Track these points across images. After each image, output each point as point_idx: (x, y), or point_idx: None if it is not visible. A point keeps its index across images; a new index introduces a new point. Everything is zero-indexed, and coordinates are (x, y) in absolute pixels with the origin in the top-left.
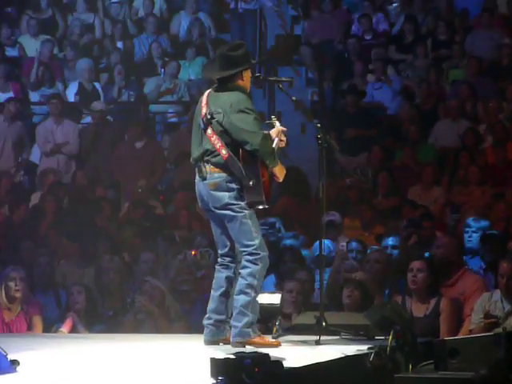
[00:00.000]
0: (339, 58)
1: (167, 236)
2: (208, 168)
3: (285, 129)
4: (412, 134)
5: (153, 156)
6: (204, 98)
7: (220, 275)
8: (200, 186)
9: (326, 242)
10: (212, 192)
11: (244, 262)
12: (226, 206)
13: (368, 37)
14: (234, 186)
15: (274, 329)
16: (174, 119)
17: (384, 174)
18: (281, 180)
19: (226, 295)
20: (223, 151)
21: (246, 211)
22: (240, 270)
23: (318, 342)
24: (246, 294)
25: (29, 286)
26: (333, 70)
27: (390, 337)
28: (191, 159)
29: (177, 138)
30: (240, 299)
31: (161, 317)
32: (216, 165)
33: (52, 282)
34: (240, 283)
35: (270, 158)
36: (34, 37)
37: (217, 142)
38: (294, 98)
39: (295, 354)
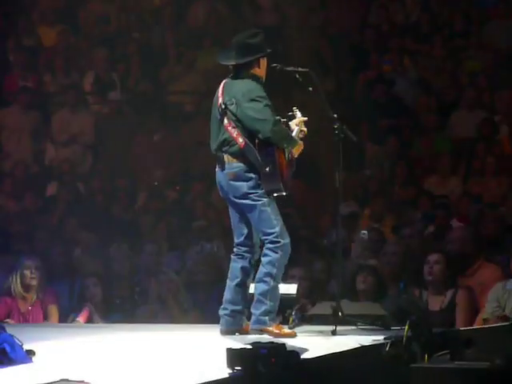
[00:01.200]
0: (356, 48)
1: (183, 226)
2: (226, 158)
3: (305, 118)
4: (429, 125)
5: (169, 146)
6: (220, 88)
7: (235, 265)
8: (220, 176)
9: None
10: (231, 182)
11: (265, 250)
12: (244, 196)
13: (385, 27)
14: (251, 175)
15: (291, 319)
16: (190, 109)
17: (401, 164)
18: (296, 156)
19: (242, 285)
20: (240, 140)
21: (265, 199)
22: (261, 258)
23: (334, 332)
24: (264, 282)
25: (44, 275)
26: (349, 60)
27: (406, 327)
28: (211, 149)
29: (193, 128)
30: (259, 287)
31: (175, 307)
32: (234, 154)
33: (67, 272)
34: (260, 271)
35: (286, 141)
36: (50, 26)
37: (233, 131)
38: (310, 89)
39: (311, 344)
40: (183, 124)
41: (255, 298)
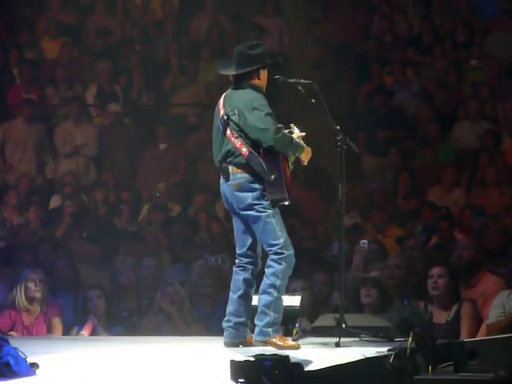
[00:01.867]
0: (358, 59)
1: (187, 239)
2: (231, 169)
3: (303, 134)
4: (431, 135)
5: (172, 158)
6: (221, 100)
7: (238, 277)
8: (224, 187)
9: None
10: (235, 193)
11: (269, 261)
12: (249, 207)
13: (387, 38)
14: (256, 186)
15: (294, 331)
16: (192, 121)
17: (404, 175)
18: (306, 163)
19: (245, 297)
20: (243, 149)
21: (270, 210)
22: (265, 269)
23: (337, 344)
24: (268, 293)
25: (48, 288)
26: (352, 71)
27: (410, 338)
28: (215, 162)
29: (196, 140)
30: (262, 299)
31: (180, 320)
32: (238, 165)
33: (70, 285)
34: (264, 282)
35: (290, 148)
36: (53, 39)
37: (236, 141)
38: (313, 101)
39: (315, 356)
40: (186, 136)
41: (259, 310)
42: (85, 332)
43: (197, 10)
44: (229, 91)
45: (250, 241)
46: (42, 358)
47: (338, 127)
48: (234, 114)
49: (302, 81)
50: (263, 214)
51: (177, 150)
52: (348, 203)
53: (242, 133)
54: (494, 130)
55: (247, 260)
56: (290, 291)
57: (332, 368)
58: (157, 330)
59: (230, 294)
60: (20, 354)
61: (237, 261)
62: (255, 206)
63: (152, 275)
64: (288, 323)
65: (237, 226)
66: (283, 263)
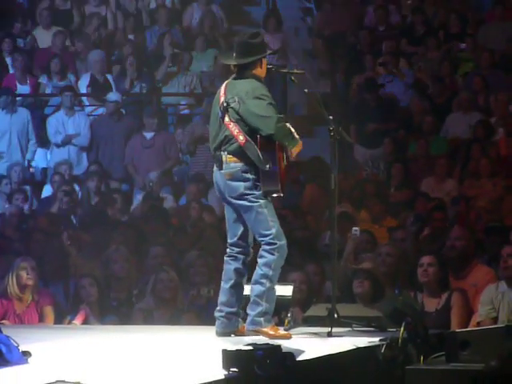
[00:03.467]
0: (351, 50)
1: (179, 228)
2: (225, 157)
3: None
4: (424, 127)
5: (165, 148)
6: (222, 88)
7: (229, 267)
8: (217, 176)
9: None
10: (228, 182)
11: (261, 252)
12: (241, 196)
13: (380, 29)
14: (249, 175)
15: (286, 321)
16: (186, 111)
17: (397, 166)
18: (293, 157)
19: (237, 287)
20: (240, 137)
21: (262, 201)
22: (258, 259)
23: (329, 334)
24: (260, 283)
25: (40, 276)
26: (345, 62)
27: (402, 329)
28: (211, 149)
29: (189, 130)
30: (255, 289)
31: (172, 307)
32: (233, 153)
33: (62, 273)
34: (256, 272)
35: (288, 139)
36: (46, 28)
37: (234, 128)
38: (306, 91)
39: (307, 345)
40: (178, 125)
41: (251, 300)
42: (77, 321)
43: (190, 0)
44: (230, 80)
45: (241, 230)
46: (34, 347)
47: (331, 117)
48: (235, 101)
49: (295, 71)
50: (255, 204)
51: (169, 139)
52: (340, 193)
53: (241, 120)
54: (486, 120)
55: (238, 250)
56: (288, 281)
57: (324, 358)
58: (150, 317)
59: (222, 283)
60: (12, 342)
61: (228, 250)
62: (247, 196)
63: (159, 264)
64: (280, 313)
65: (228, 214)
66: (276, 253)
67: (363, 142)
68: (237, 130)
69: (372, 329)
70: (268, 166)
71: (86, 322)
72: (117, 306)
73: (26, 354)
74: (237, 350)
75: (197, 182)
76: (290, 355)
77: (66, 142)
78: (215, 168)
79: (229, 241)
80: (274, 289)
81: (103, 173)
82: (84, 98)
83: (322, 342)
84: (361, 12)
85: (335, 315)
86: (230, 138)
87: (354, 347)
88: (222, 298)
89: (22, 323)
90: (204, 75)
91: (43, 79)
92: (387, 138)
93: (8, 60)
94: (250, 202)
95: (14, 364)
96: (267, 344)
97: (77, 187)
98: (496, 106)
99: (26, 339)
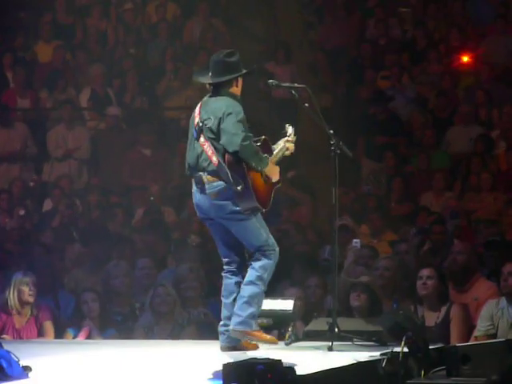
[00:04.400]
0: (353, 63)
1: (180, 242)
2: (205, 178)
3: (294, 138)
4: (425, 140)
5: (166, 162)
6: (197, 108)
7: (229, 281)
8: (199, 197)
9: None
10: (214, 201)
11: (257, 255)
12: (230, 214)
13: (382, 43)
14: (233, 192)
15: (287, 335)
16: (186, 125)
17: (398, 180)
18: (274, 180)
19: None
20: (213, 158)
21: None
22: (251, 262)
23: (330, 348)
24: (255, 285)
25: (39, 291)
26: (346, 75)
27: (403, 343)
28: (186, 170)
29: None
30: (248, 289)
31: (171, 321)
32: (212, 173)
33: (57, 287)
34: (251, 274)
35: (254, 159)
36: (47, 42)
37: (208, 149)
38: (306, 105)
39: (307, 360)
40: (180, 139)
41: (243, 300)
42: (80, 338)
43: (191, 14)
44: (205, 99)
45: (234, 246)
46: (34, 361)
47: (332, 131)
48: (210, 120)
49: (296, 85)
50: (243, 217)
51: (170, 153)
52: (341, 207)
53: (215, 140)
54: (486, 134)
55: (236, 265)
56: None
57: (324, 372)
58: (150, 332)
59: (223, 299)
60: (13, 357)
61: (226, 267)
62: (236, 212)
63: (146, 276)
64: (281, 327)
65: (217, 234)
66: (272, 258)
67: (371, 156)
68: (211, 151)
69: (373, 343)
70: (240, 187)
71: (89, 338)
72: (122, 320)
73: (27, 368)
74: (238, 363)
75: None
76: (291, 369)
77: (67, 155)
78: (196, 189)
79: (225, 259)
80: (264, 294)
81: (103, 187)
82: (84, 112)
83: (322, 356)
84: (362, 25)
85: (336, 329)
86: (205, 159)
87: (355, 361)
88: (224, 312)
89: (21, 338)
90: (205, 89)
91: (44, 93)
92: (388, 151)
93: (9, 74)
94: (238, 216)
95: (15, 379)
96: (268, 358)
97: (77, 201)
98: (500, 119)
99: (26, 354)
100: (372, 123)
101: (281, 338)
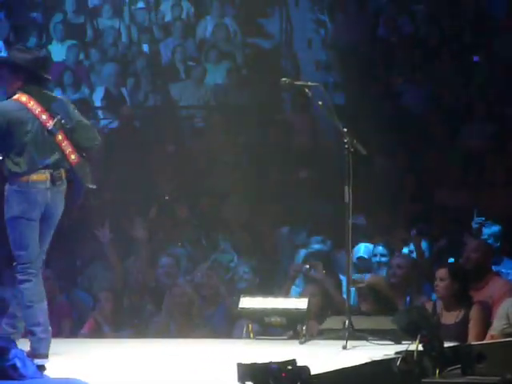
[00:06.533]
0: (365, 61)
1: (194, 240)
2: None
3: None
4: (439, 137)
5: (179, 160)
6: None
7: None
8: (50, 192)
9: (365, 245)
10: (63, 198)
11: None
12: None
13: (394, 39)
14: None
15: (301, 334)
16: (200, 124)
17: (411, 177)
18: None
19: None
20: None
21: None
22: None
23: (344, 347)
24: None
25: (56, 287)
26: (359, 73)
27: (417, 341)
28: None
29: (204, 143)
30: None
31: (186, 321)
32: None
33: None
34: None
35: None
36: (60, 42)
37: None
38: (320, 103)
39: (322, 358)
40: (193, 138)
41: None
42: (85, 330)
43: (205, 13)
44: None
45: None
46: (49, 360)
47: (345, 130)
48: None
49: (309, 83)
50: None
51: (184, 152)
52: (354, 205)
53: None
54: (501, 131)
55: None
56: (304, 295)
57: (339, 371)
58: (166, 331)
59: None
60: (27, 355)
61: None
62: None
63: (167, 274)
64: (295, 326)
65: (36, 233)
66: None
67: (385, 153)
68: None
69: (387, 342)
70: None
71: (95, 330)
72: (133, 318)
73: (41, 368)
74: (252, 363)
75: (211, 195)
76: (305, 368)
77: (81, 154)
78: (48, 185)
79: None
80: None
81: (117, 186)
82: (98, 111)
83: (337, 354)
84: (374, 23)
85: (350, 328)
86: None
87: (370, 360)
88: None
89: None
90: (218, 88)
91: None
92: (401, 148)
93: None
94: None
95: (29, 378)
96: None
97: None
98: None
99: None
100: (384, 120)
101: (295, 336)
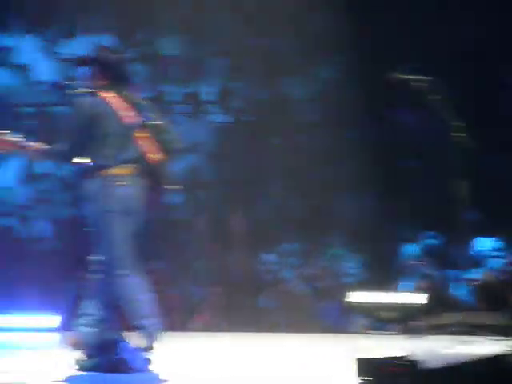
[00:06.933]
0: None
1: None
2: None
3: None
4: None
5: (290, 155)
6: None
7: None
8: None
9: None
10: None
11: None
12: None
13: None
14: None
15: (413, 328)
16: (312, 118)
17: None
18: None
19: None
20: None
21: None
22: None
23: (453, 342)
24: None
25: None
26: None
27: None
28: None
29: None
30: None
31: (294, 316)
32: None
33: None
34: None
35: None
36: (171, 35)
37: None
38: (436, 97)
39: (433, 354)
40: (304, 133)
41: None
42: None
43: None
44: None
45: None
46: (155, 353)
47: (462, 124)
48: None
49: (424, 77)
50: None
51: (294, 146)
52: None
53: None
54: None
55: None
56: (414, 289)
57: (449, 366)
58: (277, 326)
59: None
60: (136, 348)
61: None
62: None
63: (268, 271)
64: (407, 321)
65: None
66: None
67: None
68: None
69: (500, 337)
70: None
71: (206, 324)
72: (243, 313)
73: (148, 361)
74: (371, 358)
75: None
76: (417, 363)
77: (191, 149)
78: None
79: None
80: None
81: (227, 180)
82: (208, 106)
83: (447, 350)
84: None
85: (463, 323)
86: None
87: (481, 355)
88: None
89: None
90: (330, 82)
91: (166, 87)
92: None
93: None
94: None
95: (138, 371)
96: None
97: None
98: None
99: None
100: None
101: (406, 331)
